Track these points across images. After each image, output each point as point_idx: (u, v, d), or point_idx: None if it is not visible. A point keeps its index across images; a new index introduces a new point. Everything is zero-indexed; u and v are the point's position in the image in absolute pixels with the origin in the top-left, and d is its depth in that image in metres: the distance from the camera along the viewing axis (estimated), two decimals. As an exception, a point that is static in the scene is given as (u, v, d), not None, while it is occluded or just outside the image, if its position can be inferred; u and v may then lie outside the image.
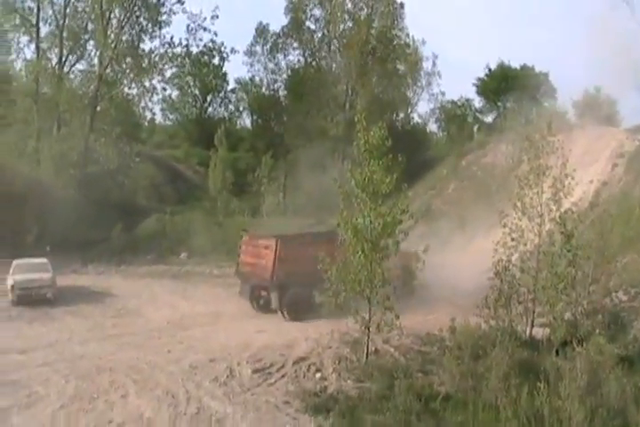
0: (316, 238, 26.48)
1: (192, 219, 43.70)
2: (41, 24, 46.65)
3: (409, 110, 65.61)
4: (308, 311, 24.94)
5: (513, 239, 19.32)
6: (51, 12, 47.05)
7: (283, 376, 18.07)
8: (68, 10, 47.33)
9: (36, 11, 46.37)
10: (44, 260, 30.38)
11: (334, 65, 59.26)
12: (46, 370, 19.00)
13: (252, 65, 60.88)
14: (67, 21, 47.45)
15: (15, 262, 29.64)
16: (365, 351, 18.72)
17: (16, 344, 21.91)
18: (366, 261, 18.11)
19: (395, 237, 18.25)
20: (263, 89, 62.35)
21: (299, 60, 60.59)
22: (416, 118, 67.69)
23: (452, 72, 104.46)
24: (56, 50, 47.68)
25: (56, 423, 14.97)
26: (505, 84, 63.18)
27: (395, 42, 59.48)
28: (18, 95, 45.59)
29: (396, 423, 14.17)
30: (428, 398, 15.57)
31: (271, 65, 60.42)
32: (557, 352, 17.36)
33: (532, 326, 19.67)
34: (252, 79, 63.39)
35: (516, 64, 65.68)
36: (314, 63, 59.95)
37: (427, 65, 63.72)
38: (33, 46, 47.23)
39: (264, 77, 61.49)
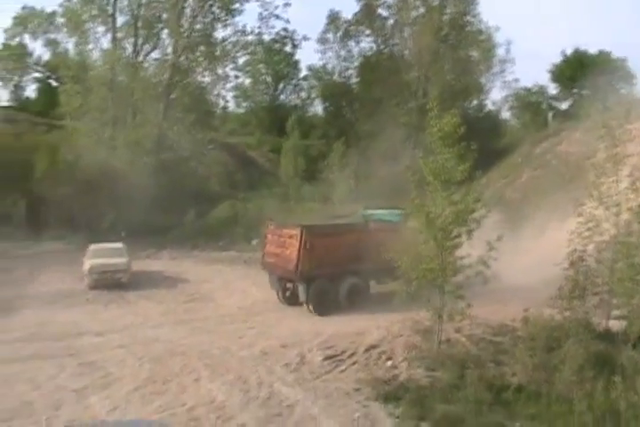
0: (345, 229, 26.14)
1: (264, 205, 43.86)
2: (117, 14, 47.71)
3: (482, 97, 64.65)
4: (334, 305, 24.56)
5: (588, 229, 18.89)
6: (126, 2, 48.02)
7: (353, 364, 18.12)
8: (143, 0, 48.16)
9: (112, 1, 47.27)
10: (119, 245, 31.03)
11: (406, 52, 58.89)
12: (121, 352, 19.58)
13: (323, 52, 61.22)
14: (142, 11, 48.43)
15: (92, 247, 30.35)
16: (437, 340, 18.60)
17: (93, 327, 22.63)
18: (438, 250, 17.97)
19: (467, 225, 18.06)
20: (335, 76, 62.54)
21: (371, 48, 60.52)
22: (489, 106, 66.62)
23: (526, 59, 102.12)
24: (131, 39, 48.70)
25: (130, 404, 15.35)
26: (581, 71, 61.27)
27: (467, 28, 58.70)
28: (94, 84, 46.36)
29: (466, 413, 14.09)
30: (500, 388, 15.47)
31: (343, 52, 60.59)
32: (634, 346, 16.98)
33: (608, 318, 19.25)
34: (323, 67, 63.60)
35: (592, 49, 64.05)
36: (386, 50, 59.62)
37: (500, 52, 62.46)
38: (109, 36, 48.36)
39: (336, 65, 61.77)
